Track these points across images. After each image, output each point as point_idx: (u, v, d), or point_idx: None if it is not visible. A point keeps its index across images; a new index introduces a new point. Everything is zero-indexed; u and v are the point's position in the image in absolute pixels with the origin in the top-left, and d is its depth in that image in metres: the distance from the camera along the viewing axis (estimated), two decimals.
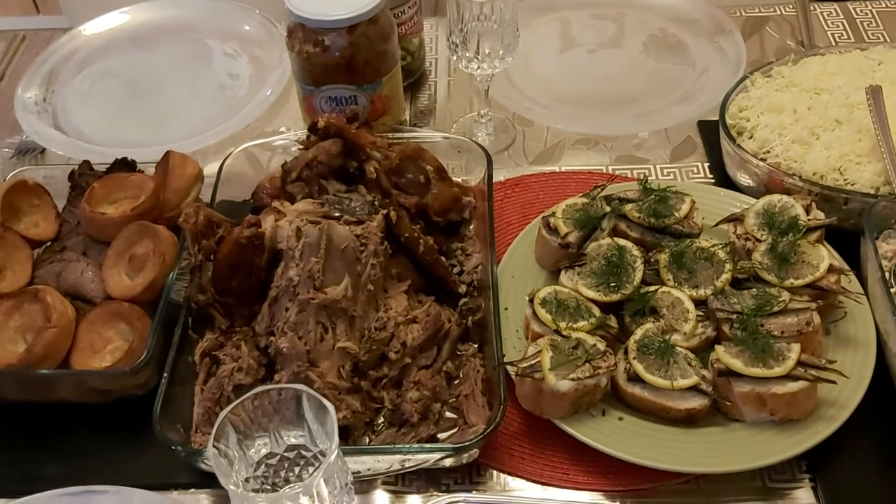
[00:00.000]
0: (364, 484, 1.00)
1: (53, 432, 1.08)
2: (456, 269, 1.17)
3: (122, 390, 1.05)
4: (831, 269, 1.07)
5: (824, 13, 1.65)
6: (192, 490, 1.02)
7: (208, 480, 1.00)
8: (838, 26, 1.62)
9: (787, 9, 1.67)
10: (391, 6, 1.34)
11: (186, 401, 1.04)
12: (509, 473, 1.02)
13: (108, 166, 1.27)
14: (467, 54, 1.29)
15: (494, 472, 1.02)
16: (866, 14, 1.65)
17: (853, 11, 1.65)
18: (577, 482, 1.00)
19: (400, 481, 1.01)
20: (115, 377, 1.04)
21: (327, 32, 1.25)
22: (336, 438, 0.77)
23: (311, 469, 0.87)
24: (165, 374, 1.01)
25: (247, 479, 0.84)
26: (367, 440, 1.02)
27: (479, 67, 1.31)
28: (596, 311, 1.06)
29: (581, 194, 1.20)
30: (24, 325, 1.09)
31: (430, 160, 1.18)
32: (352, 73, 1.28)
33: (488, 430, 0.94)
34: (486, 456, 1.02)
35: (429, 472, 1.01)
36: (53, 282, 1.15)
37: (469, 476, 1.02)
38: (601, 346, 1.01)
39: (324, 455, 0.84)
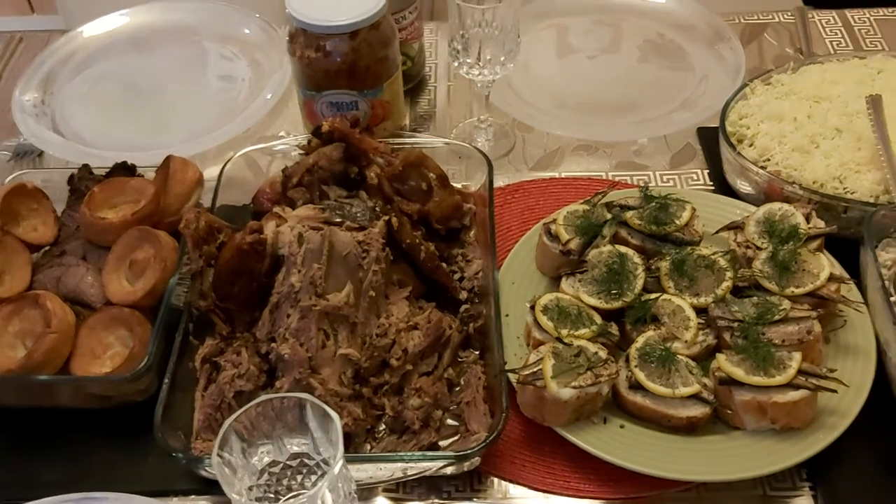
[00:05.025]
0: (365, 492, 1.00)
1: (53, 438, 1.07)
2: (457, 276, 1.17)
3: (122, 396, 1.05)
4: (832, 278, 1.07)
5: (822, 21, 1.66)
6: (193, 497, 1.02)
7: (208, 487, 1.00)
8: (836, 34, 1.62)
9: (785, 16, 1.67)
10: (392, 11, 1.34)
11: (187, 407, 1.03)
12: (510, 481, 1.02)
13: (107, 170, 1.27)
14: (468, 60, 1.29)
15: (496, 480, 1.02)
16: (864, 22, 1.65)
17: (851, 19, 1.66)
18: (578, 490, 1.00)
19: (401, 489, 1.01)
20: (116, 383, 1.04)
21: (329, 38, 1.25)
22: (341, 448, 0.77)
23: (313, 477, 0.86)
24: (166, 381, 1.00)
25: (250, 488, 0.83)
26: (369, 448, 1.02)
27: (479, 74, 1.31)
28: (597, 318, 1.07)
29: (582, 201, 1.20)
30: (23, 331, 1.08)
31: (433, 167, 1.17)
32: (353, 78, 1.28)
33: (490, 438, 0.94)
34: (488, 464, 1.02)
35: (430, 479, 1.00)
36: (53, 286, 1.14)
37: (470, 484, 1.02)
38: (603, 353, 1.01)
39: (327, 463, 0.84)
